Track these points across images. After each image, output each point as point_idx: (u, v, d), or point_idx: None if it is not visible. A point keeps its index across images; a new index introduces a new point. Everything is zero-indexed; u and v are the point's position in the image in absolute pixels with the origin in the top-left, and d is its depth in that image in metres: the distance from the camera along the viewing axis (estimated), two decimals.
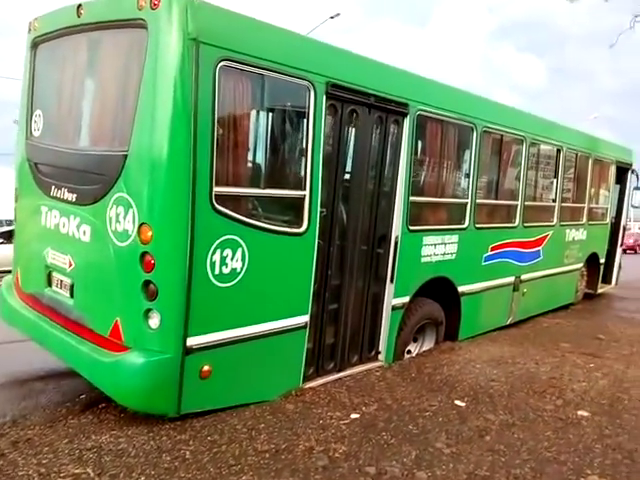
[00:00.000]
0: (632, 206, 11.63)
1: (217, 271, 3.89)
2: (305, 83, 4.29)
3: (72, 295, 4.35)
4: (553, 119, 8.35)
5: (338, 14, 20.54)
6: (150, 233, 3.69)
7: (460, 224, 6.36)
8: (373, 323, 5.47)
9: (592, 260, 10.29)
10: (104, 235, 3.96)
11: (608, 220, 10.78)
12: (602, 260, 10.72)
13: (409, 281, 5.69)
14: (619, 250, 11.43)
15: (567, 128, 8.73)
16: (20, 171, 4.92)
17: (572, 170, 8.95)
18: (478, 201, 6.53)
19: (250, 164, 4.32)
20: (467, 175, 6.41)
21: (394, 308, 5.54)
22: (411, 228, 5.53)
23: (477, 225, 6.54)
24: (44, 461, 3.40)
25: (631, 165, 11.17)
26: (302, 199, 4.41)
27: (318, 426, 4.03)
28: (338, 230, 4.90)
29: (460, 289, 6.46)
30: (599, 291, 10.98)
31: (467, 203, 6.38)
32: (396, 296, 5.52)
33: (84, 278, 4.26)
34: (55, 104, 4.74)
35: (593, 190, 9.78)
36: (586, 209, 9.49)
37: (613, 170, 10.46)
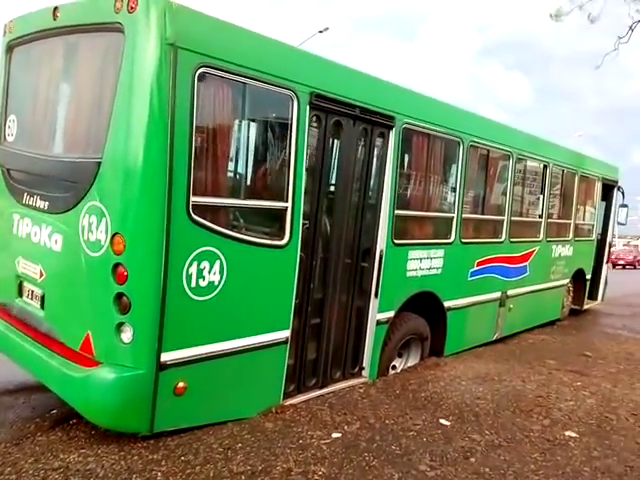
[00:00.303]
0: (618, 223, 11.65)
1: (194, 284, 3.74)
2: (288, 93, 4.19)
3: (43, 306, 4.18)
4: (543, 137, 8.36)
5: (327, 28, 20.63)
6: (123, 244, 3.54)
7: (446, 238, 6.27)
8: (357, 338, 5.33)
9: (578, 276, 10.25)
10: (76, 245, 3.81)
11: (594, 236, 10.78)
12: (588, 276, 10.70)
13: (394, 295, 5.57)
14: (605, 266, 11.42)
15: (554, 144, 8.72)
16: None
17: (558, 186, 8.93)
18: (464, 216, 6.45)
19: (230, 174, 4.20)
20: (453, 189, 6.33)
21: (378, 323, 5.41)
22: (396, 242, 5.42)
23: (463, 240, 6.46)
24: None
25: (617, 182, 11.20)
26: (284, 211, 4.29)
27: (298, 446, 3.88)
28: (321, 243, 4.78)
29: (446, 304, 6.36)
30: (585, 307, 10.94)
31: (453, 217, 6.29)
32: (381, 311, 5.40)
33: (55, 289, 4.10)
34: (29, 109, 4.59)
35: (579, 206, 9.77)
36: (572, 225, 9.46)
37: (599, 187, 10.48)
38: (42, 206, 4.09)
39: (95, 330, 3.77)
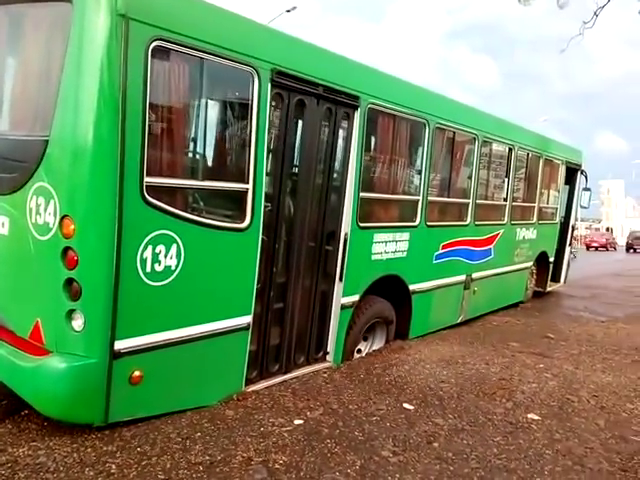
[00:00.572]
0: (581, 206, 11.81)
1: (149, 269, 3.58)
2: (248, 69, 4.02)
3: None
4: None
5: (294, 7, 20.28)
6: (72, 226, 3.36)
7: (412, 221, 6.21)
8: (321, 323, 5.25)
9: (542, 259, 10.37)
10: (24, 228, 3.60)
11: (558, 220, 10.90)
12: (551, 259, 10.83)
13: (359, 279, 5.50)
14: (568, 249, 11.58)
15: (519, 127, 8.74)
16: None
17: (523, 169, 8.98)
18: (430, 198, 6.41)
19: (187, 154, 4.02)
20: (419, 172, 6.27)
21: (343, 307, 5.34)
22: (361, 225, 5.34)
23: (428, 223, 6.42)
24: None
25: (580, 166, 11.32)
26: (244, 193, 4.14)
27: (259, 434, 3.78)
28: (284, 226, 4.66)
29: (411, 287, 6.33)
30: (548, 289, 11.10)
31: (419, 200, 6.24)
32: (345, 295, 5.32)
33: (3, 275, 3.88)
34: None
35: (543, 190, 9.85)
36: (536, 208, 9.53)
37: (563, 170, 10.57)
38: None
39: (45, 317, 3.59)
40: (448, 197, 7.05)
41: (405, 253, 6.08)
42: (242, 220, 4.16)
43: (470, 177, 7.36)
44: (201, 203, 4.04)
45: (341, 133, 5.07)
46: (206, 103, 4.09)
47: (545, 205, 10.14)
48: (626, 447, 3.99)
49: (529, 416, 4.44)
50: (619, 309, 10.47)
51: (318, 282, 5.10)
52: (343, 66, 5.02)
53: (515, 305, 9.64)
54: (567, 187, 11.34)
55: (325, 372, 5.14)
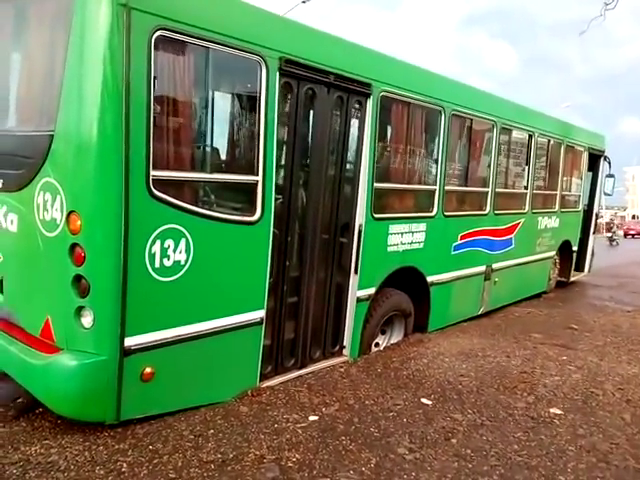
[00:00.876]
0: (604, 193, 11.50)
1: (157, 264, 3.52)
2: (256, 58, 3.93)
3: (1, 290, 3.96)
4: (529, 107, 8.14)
5: None
6: (79, 222, 3.31)
7: (428, 212, 6.07)
8: (337, 316, 5.16)
9: (565, 248, 10.13)
10: (32, 225, 3.58)
11: (581, 207, 10.63)
12: (575, 248, 10.58)
13: (375, 272, 5.40)
14: (592, 237, 11.29)
15: (539, 113, 8.50)
16: None
17: (544, 156, 8.74)
18: (447, 188, 6.25)
19: (194, 147, 3.93)
20: (435, 161, 6.11)
21: (359, 300, 5.24)
22: (376, 216, 5.22)
23: (446, 213, 6.27)
24: None
25: (603, 152, 11.01)
26: (255, 185, 4.06)
27: (272, 431, 3.71)
28: (296, 218, 4.57)
29: (429, 279, 6.20)
30: (572, 279, 10.84)
31: (435, 190, 6.09)
32: (361, 288, 5.22)
33: (13, 272, 3.87)
34: None
35: (565, 177, 9.59)
36: (558, 196, 9.29)
37: (585, 157, 10.29)
38: None
39: (55, 315, 3.56)
40: (466, 186, 6.88)
41: (422, 244, 5.95)
42: (253, 213, 4.08)
43: (489, 165, 7.18)
44: (210, 196, 3.97)
45: (353, 122, 4.95)
46: (213, 94, 3.99)
47: (567, 193, 9.88)
48: None
49: (551, 410, 4.30)
50: None
51: (333, 275, 5.01)
52: (354, 53, 4.89)
53: (538, 296, 9.42)
54: (590, 174, 11.05)
55: (342, 367, 5.06)
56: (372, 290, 5.39)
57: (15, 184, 3.69)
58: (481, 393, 4.59)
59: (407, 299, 6.06)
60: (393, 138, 5.68)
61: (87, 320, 3.42)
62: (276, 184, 4.21)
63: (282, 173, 4.37)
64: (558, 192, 9.27)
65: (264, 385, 4.45)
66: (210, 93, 3.95)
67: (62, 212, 3.37)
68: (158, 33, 3.36)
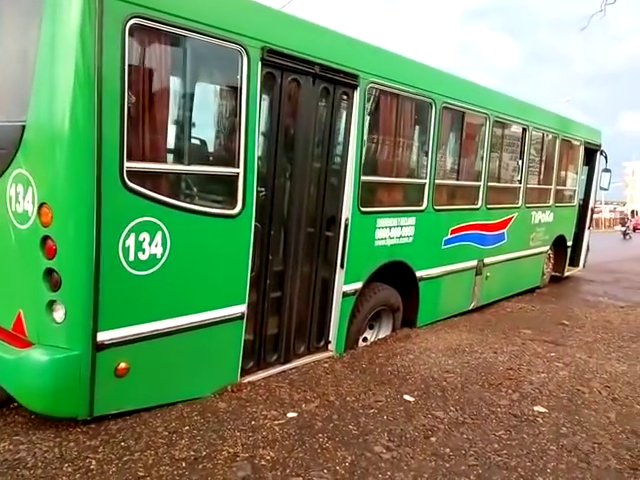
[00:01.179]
0: (600, 188, 11.41)
1: (132, 257, 3.45)
2: (236, 47, 3.83)
3: None
4: (529, 101, 8.06)
5: None
6: (51, 215, 3.24)
7: (418, 206, 5.99)
8: (322, 311, 5.08)
9: (559, 242, 10.05)
10: (4, 217, 3.50)
11: (576, 202, 10.54)
12: (569, 242, 10.50)
13: (361, 266, 5.32)
14: (587, 232, 11.21)
15: (533, 107, 8.39)
16: None
17: (538, 150, 8.66)
18: (437, 181, 6.17)
19: (171, 138, 3.82)
20: (425, 154, 6.02)
21: (345, 295, 5.17)
22: (363, 210, 5.14)
23: (436, 207, 6.19)
24: None
25: (600, 146, 10.91)
26: (235, 177, 3.97)
27: (249, 428, 3.65)
28: (280, 212, 4.48)
29: (418, 274, 6.13)
30: (566, 274, 10.78)
31: (425, 184, 6.01)
32: (347, 282, 5.15)
33: None
34: None
35: (560, 171, 9.50)
36: (553, 191, 9.21)
37: (581, 151, 10.19)
38: None
39: (26, 309, 3.49)
40: (457, 180, 6.81)
41: (411, 238, 5.87)
42: (233, 206, 4.00)
43: (481, 159, 7.09)
44: (188, 189, 3.89)
45: (340, 114, 4.86)
46: (191, 84, 3.90)
47: (562, 187, 9.79)
48: (637, 442, 3.78)
49: (535, 409, 4.24)
50: None
51: (318, 269, 4.93)
52: (340, 43, 4.79)
53: (531, 291, 9.36)
54: (586, 168, 10.96)
55: (326, 362, 5.00)
56: (359, 285, 5.32)
57: None
58: (465, 390, 4.52)
59: (395, 294, 5.99)
60: (381, 130, 5.58)
61: (59, 314, 3.35)
62: (259, 177, 4.12)
63: (265, 166, 4.28)
64: (553, 186, 9.18)
65: (245, 381, 4.38)
66: (188, 83, 3.87)
67: (34, 204, 3.30)
68: (132, 21, 3.26)
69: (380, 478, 3.13)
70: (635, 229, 41.26)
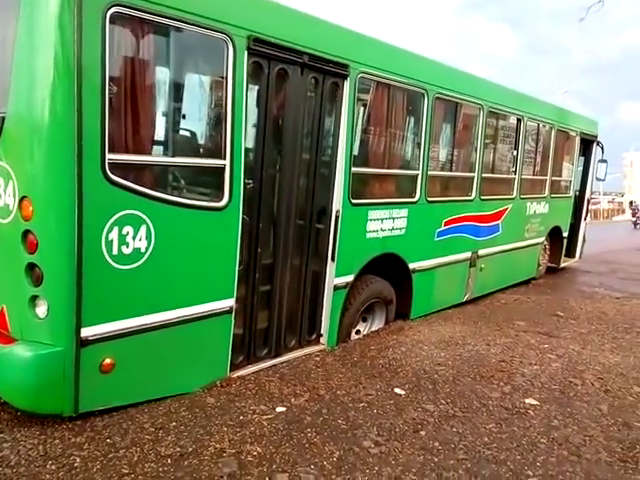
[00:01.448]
0: (597, 179, 11.35)
1: (115, 251, 3.39)
2: (221, 36, 3.76)
3: None
4: (527, 92, 7.99)
5: None
6: (31, 208, 3.18)
7: (410, 197, 5.93)
8: (313, 304, 5.04)
9: (555, 233, 10.01)
10: None
11: (572, 193, 10.49)
12: (565, 234, 10.45)
13: (353, 259, 5.27)
14: (583, 223, 11.16)
15: (528, 97, 8.32)
16: None
17: (533, 141, 8.59)
18: (430, 173, 6.10)
19: (155, 129, 3.76)
20: (418, 145, 5.95)
21: (336, 288, 5.12)
22: (354, 201, 5.08)
23: (429, 198, 6.13)
24: None
25: (596, 137, 10.85)
26: (221, 169, 3.91)
27: (237, 423, 3.61)
28: (269, 204, 4.42)
29: (411, 266, 6.08)
30: (562, 265, 10.74)
31: (418, 175, 5.94)
32: (338, 275, 5.10)
33: None
34: None
35: (556, 162, 9.43)
36: (548, 181, 9.16)
37: (577, 142, 10.13)
38: None
39: (9, 304, 3.44)
40: (450, 171, 6.75)
41: (404, 230, 5.82)
42: (220, 198, 3.94)
43: (475, 150, 7.03)
44: (172, 181, 3.84)
45: (330, 104, 4.79)
46: (175, 74, 3.83)
47: (558, 178, 9.73)
48: (629, 435, 3.75)
49: (527, 401, 4.20)
50: (637, 285, 10.06)
51: (309, 262, 4.88)
52: (330, 33, 4.72)
53: (527, 282, 9.32)
54: (582, 159, 10.91)
55: (318, 355, 4.95)
56: (350, 277, 5.27)
57: None
58: (457, 383, 4.49)
59: (388, 286, 5.94)
60: (373, 121, 5.52)
61: (41, 310, 3.30)
62: (246, 169, 4.06)
63: (253, 157, 4.22)
64: (548, 177, 9.13)
65: (235, 375, 4.34)
66: (172, 73, 3.80)
67: (14, 197, 3.24)
68: (113, 10, 3.19)
69: (367, 473, 3.10)
70: None
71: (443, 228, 6.52)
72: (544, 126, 8.75)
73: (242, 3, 3.98)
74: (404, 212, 5.79)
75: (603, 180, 11.53)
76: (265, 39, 4.03)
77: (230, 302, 4.15)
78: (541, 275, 9.95)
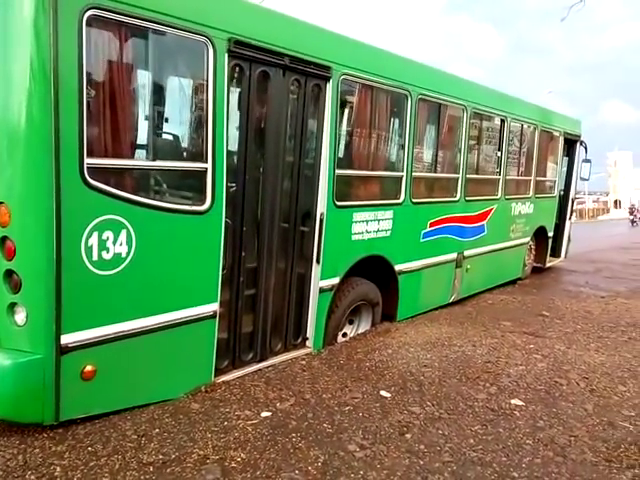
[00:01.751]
0: (581, 178, 11.43)
1: (95, 257, 3.34)
2: (201, 39, 3.72)
3: None
4: (512, 93, 8.04)
5: None
6: (8, 214, 3.13)
7: (395, 199, 5.93)
8: (299, 308, 5.01)
9: (540, 233, 10.06)
10: None
11: (556, 193, 10.55)
12: (550, 233, 10.51)
13: (338, 261, 5.25)
14: (568, 223, 11.23)
15: (512, 98, 8.36)
16: None
17: (517, 141, 8.64)
18: (415, 174, 6.11)
19: (135, 133, 3.72)
20: (402, 147, 5.96)
21: (322, 290, 5.09)
22: (338, 204, 5.06)
23: (414, 200, 6.13)
24: None
25: (579, 136, 10.92)
26: (203, 172, 3.88)
27: (221, 429, 3.57)
28: (252, 207, 4.39)
29: (397, 267, 6.07)
30: (548, 265, 10.79)
31: (402, 176, 5.94)
32: (324, 278, 5.08)
33: None
34: None
35: (540, 162, 9.48)
36: (533, 182, 9.20)
37: (561, 142, 10.20)
38: None
39: None
40: (435, 172, 6.76)
41: (389, 232, 5.81)
42: (202, 202, 3.91)
43: (459, 151, 7.04)
44: (153, 185, 3.80)
45: (312, 106, 4.77)
46: (154, 77, 3.77)
47: (542, 178, 9.79)
48: (614, 434, 3.75)
49: (512, 402, 4.20)
50: (622, 283, 10.15)
51: (293, 265, 4.86)
52: (311, 34, 4.71)
53: (513, 282, 9.36)
54: (566, 159, 10.98)
55: (304, 359, 4.92)
56: (336, 280, 5.25)
57: None
58: (443, 384, 4.47)
59: (374, 288, 5.93)
60: (356, 123, 5.51)
61: (20, 317, 3.25)
62: (229, 172, 4.03)
63: (236, 160, 4.19)
64: (532, 177, 9.18)
65: (220, 380, 4.30)
66: (152, 76, 3.74)
67: None
68: (90, 12, 3.15)
69: (352, 477, 3.07)
70: None
71: (428, 229, 6.52)
72: (528, 126, 8.80)
73: (222, 5, 3.95)
74: (389, 214, 5.78)
75: (587, 180, 11.61)
76: (246, 41, 4.00)
77: (214, 307, 4.11)
78: (527, 275, 9.99)
